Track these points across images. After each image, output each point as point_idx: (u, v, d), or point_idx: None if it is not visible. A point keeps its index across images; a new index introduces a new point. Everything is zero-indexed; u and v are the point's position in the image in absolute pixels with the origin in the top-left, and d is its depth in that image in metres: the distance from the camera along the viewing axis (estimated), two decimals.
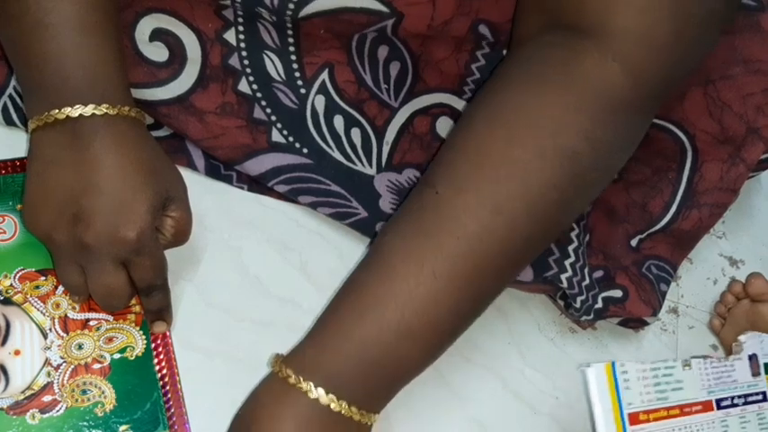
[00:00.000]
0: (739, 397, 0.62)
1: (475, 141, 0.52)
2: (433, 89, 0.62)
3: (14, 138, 0.63)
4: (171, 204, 0.54)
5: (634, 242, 0.67)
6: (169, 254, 0.62)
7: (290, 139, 0.63)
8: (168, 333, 0.59)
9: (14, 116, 0.62)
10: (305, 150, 0.64)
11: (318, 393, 0.50)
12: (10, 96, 0.62)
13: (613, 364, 0.56)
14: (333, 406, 0.50)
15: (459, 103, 0.64)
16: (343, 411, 0.51)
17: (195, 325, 0.61)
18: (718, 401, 0.60)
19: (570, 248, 0.63)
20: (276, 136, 0.63)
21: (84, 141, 0.51)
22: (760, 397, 0.63)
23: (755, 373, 0.63)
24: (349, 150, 0.64)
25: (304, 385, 0.50)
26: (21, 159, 0.62)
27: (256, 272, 0.64)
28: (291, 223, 0.67)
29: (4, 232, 0.60)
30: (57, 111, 0.50)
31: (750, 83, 0.61)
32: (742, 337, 0.63)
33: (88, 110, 0.50)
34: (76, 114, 0.50)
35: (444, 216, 0.51)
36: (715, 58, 0.60)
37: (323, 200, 0.64)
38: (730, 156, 0.63)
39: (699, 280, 0.76)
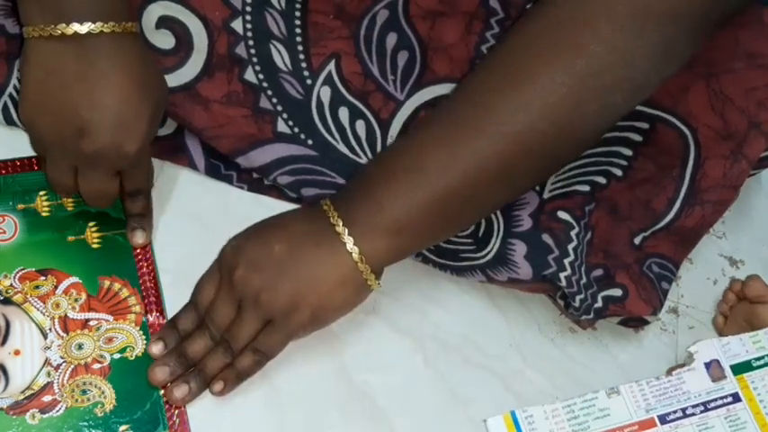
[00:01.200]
0: (695, 406, 0.62)
1: (508, 57, 0.55)
2: (441, 79, 0.62)
3: (14, 138, 0.63)
4: (160, 116, 0.57)
5: (637, 240, 0.67)
6: (169, 253, 0.62)
7: (296, 129, 0.63)
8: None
9: (15, 116, 0.62)
10: (310, 142, 0.64)
11: (354, 250, 0.55)
12: (10, 96, 0.62)
13: (513, 413, 0.59)
14: (359, 266, 0.55)
15: None
16: (364, 274, 0.56)
17: None
18: (662, 417, 0.61)
19: (570, 247, 0.63)
20: (281, 126, 0.63)
21: (90, 57, 0.52)
22: (729, 399, 0.63)
23: (718, 378, 0.63)
24: (354, 143, 0.64)
25: (347, 239, 0.55)
26: (21, 159, 0.62)
27: None
28: None
29: (4, 232, 0.60)
30: (64, 25, 0.51)
31: (753, 77, 0.61)
32: (692, 348, 0.64)
33: (96, 27, 0.51)
34: (84, 31, 0.51)
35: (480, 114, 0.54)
36: (718, 50, 0.60)
37: (327, 192, 0.64)
38: (732, 152, 0.63)
39: (699, 280, 0.76)
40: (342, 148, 0.64)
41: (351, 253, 0.55)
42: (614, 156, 0.64)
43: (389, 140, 0.64)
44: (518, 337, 0.68)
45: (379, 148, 0.64)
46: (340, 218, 0.55)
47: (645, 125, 0.63)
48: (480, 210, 0.58)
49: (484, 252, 0.65)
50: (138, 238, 0.61)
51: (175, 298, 0.61)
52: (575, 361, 0.68)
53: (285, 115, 0.63)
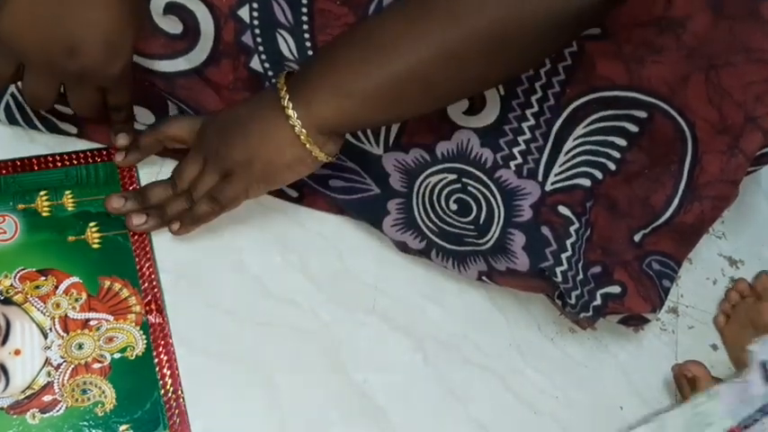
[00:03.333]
0: (758, 411, 0.61)
1: None
2: None
3: (15, 137, 0.63)
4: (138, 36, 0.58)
5: (637, 237, 0.67)
6: (168, 253, 0.62)
7: None
8: (168, 332, 0.59)
9: (17, 115, 0.63)
10: None
11: (288, 106, 0.56)
12: (12, 95, 0.62)
13: None
14: (302, 138, 0.57)
15: None
16: (308, 145, 0.57)
17: (195, 325, 0.61)
18: (744, 426, 0.59)
19: (568, 242, 0.64)
20: None
21: None
22: None
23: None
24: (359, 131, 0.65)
25: (291, 112, 0.56)
26: (21, 159, 0.63)
27: (256, 272, 0.64)
28: (291, 223, 0.67)
29: (5, 232, 0.60)
30: None
31: (751, 71, 0.61)
32: (753, 346, 0.62)
33: None
34: None
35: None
36: (717, 42, 0.60)
37: (337, 173, 0.65)
38: (729, 147, 0.63)
39: (698, 280, 0.76)
40: (347, 136, 0.64)
41: (286, 109, 0.56)
42: (609, 146, 0.64)
43: (394, 128, 0.65)
44: (518, 336, 0.68)
45: (382, 135, 0.65)
46: (286, 83, 0.57)
47: (642, 114, 0.62)
48: (431, 94, 0.57)
49: (485, 239, 0.65)
50: (122, 139, 0.63)
51: (176, 298, 0.61)
52: (574, 361, 0.69)
53: None
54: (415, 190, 0.65)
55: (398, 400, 0.62)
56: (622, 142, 0.64)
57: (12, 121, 0.63)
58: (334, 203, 0.68)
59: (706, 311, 0.75)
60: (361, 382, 0.62)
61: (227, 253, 0.64)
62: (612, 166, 0.65)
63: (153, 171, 0.65)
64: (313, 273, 0.65)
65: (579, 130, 0.64)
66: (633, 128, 0.63)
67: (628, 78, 0.61)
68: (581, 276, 0.64)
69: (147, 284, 0.61)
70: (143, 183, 0.65)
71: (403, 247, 0.67)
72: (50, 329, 0.57)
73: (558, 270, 0.63)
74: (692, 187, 0.65)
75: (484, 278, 0.67)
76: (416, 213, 0.66)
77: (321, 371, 0.62)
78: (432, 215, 0.66)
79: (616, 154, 0.64)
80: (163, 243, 0.63)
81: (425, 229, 0.66)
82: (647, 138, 0.63)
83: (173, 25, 0.60)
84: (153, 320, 0.59)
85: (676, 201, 0.65)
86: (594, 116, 0.63)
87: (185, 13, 0.60)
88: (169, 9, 0.59)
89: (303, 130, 0.57)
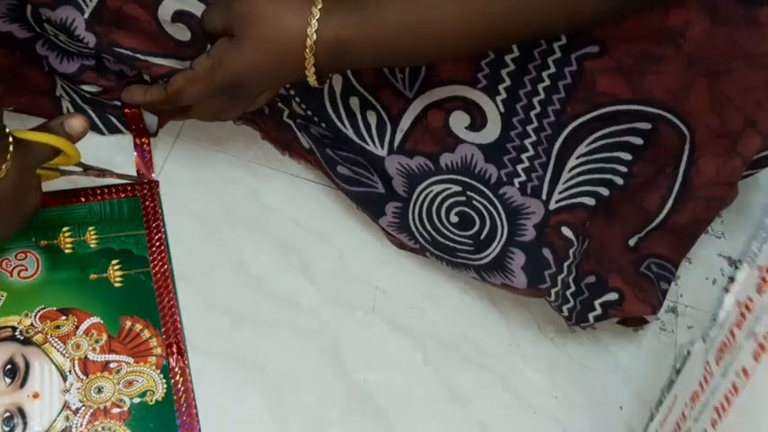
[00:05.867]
0: None
1: None
2: (446, 81, 0.62)
3: None
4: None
5: (632, 242, 0.67)
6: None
7: (309, 112, 0.64)
8: (189, 376, 0.58)
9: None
10: (323, 125, 0.65)
11: (315, 26, 0.52)
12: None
13: None
14: (308, 41, 0.53)
15: (472, 94, 0.63)
16: (306, 54, 0.53)
17: (195, 325, 0.61)
18: None
19: (566, 264, 0.63)
20: (295, 108, 0.64)
21: None
22: None
23: None
24: (363, 130, 0.64)
25: (315, 11, 0.53)
26: (44, 194, 0.60)
27: (256, 272, 0.64)
28: (291, 223, 0.67)
29: (26, 269, 0.59)
30: None
31: (752, 77, 0.60)
32: None
33: None
34: None
35: None
36: (717, 49, 0.60)
37: (342, 162, 0.65)
38: (726, 149, 0.63)
39: (698, 280, 0.76)
40: (350, 133, 0.64)
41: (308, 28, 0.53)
42: (615, 162, 0.64)
43: (398, 133, 0.64)
44: (518, 336, 0.68)
45: (387, 138, 0.65)
46: None
47: (647, 125, 0.62)
48: (453, 41, 0.56)
49: (482, 255, 0.65)
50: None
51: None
52: (574, 360, 0.69)
53: (298, 99, 0.64)
54: (415, 196, 0.65)
55: (398, 400, 0.63)
56: (627, 156, 0.63)
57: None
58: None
59: (705, 311, 0.75)
60: (362, 382, 0.62)
61: (227, 253, 0.64)
62: (620, 181, 0.64)
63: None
64: (313, 273, 0.65)
65: (582, 149, 0.63)
66: (638, 141, 0.62)
67: (630, 92, 0.60)
68: (572, 289, 0.64)
69: (168, 325, 0.60)
70: (168, 220, 0.64)
71: (399, 243, 0.67)
72: (70, 372, 0.56)
73: (553, 291, 0.63)
74: (686, 188, 0.64)
75: (476, 279, 0.67)
76: (411, 220, 0.65)
77: (321, 371, 0.62)
78: (427, 224, 0.65)
79: (623, 168, 0.64)
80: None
81: (418, 236, 0.66)
82: (651, 149, 0.63)
83: (181, 33, 0.60)
84: (173, 364, 0.58)
85: (670, 202, 0.65)
86: (597, 134, 0.62)
87: (193, 21, 0.59)
88: (178, 17, 0.59)
89: (315, 35, 0.53)
